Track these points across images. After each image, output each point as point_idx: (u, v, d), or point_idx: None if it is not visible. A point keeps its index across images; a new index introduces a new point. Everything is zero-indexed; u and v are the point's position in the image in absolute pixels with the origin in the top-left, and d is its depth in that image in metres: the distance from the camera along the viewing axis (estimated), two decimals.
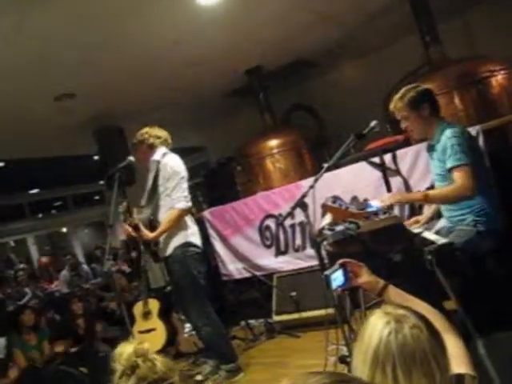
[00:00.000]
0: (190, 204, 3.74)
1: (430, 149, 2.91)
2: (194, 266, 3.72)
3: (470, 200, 2.68)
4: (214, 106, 7.12)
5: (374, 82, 4.03)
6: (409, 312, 1.21)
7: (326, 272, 1.84)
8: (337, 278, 1.83)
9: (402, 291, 1.67)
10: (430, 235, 2.68)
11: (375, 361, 1.14)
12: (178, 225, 3.74)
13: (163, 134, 3.93)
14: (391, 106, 2.88)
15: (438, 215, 3.06)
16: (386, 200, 2.82)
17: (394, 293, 1.68)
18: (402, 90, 2.86)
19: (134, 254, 8.38)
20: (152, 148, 3.87)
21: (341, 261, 1.84)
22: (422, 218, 3.17)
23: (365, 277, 1.78)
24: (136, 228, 3.60)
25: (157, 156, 3.82)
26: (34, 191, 14.45)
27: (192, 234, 3.83)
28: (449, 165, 2.65)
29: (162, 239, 3.84)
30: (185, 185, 3.72)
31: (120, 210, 3.66)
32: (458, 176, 2.61)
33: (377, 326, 1.19)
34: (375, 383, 1.13)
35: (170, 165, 3.72)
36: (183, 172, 3.75)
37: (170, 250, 3.76)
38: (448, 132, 2.69)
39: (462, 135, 2.67)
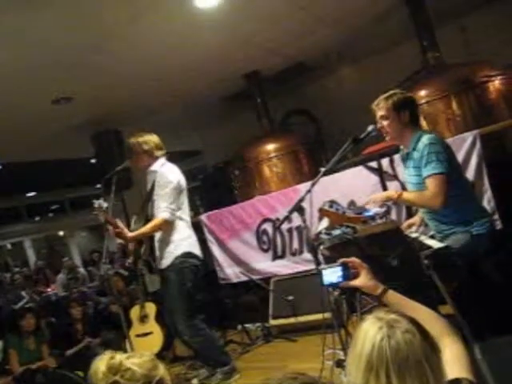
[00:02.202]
0: (173, 217, 3.71)
1: (405, 157, 2.91)
2: (189, 277, 3.71)
3: (443, 210, 2.68)
4: (211, 110, 7.14)
5: (372, 87, 4.02)
6: (401, 316, 1.21)
7: (321, 267, 1.83)
8: (331, 274, 1.82)
9: (402, 296, 1.66)
10: (426, 240, 2.68)
11: (369, 367, 1.14)
12: (178, 235, 3.75)
13: (159, 141, 3.92)
14: (374, 104, 2.88)
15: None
16: (371, 202, 2.83)
17: (394, 297, 1.67)
18: (390, 92, 2.86)
19: (130, 259, 8.37)
20: (152, 157, 3.85)
21: (342, 259, 1.83)
22: (416, 220, 3.17)
23: (362, 279, 1.76)
24: (115, 226, 3.58)
25: (155, 166, 3.84)
26: (32, 194, 14.43)
27: (193, 245, 3.84)
28: (424, 173, 2.66)
29: (159, 250, 3.83)
30: (174, 196, 3.70)
31: (96, 206, 3.60)
32: (431, 185, 2.62)
33: (369, 332, 1.19)
34: None
35: (165, 175, 3.74)
36: (176, 183, 3.73)
37: (169, 261, 3.74)
38: (424, 139, 2.69)
39: (439, 143, 2.67)
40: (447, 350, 1.35)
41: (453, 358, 1.32)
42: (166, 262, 3.76)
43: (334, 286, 1.85)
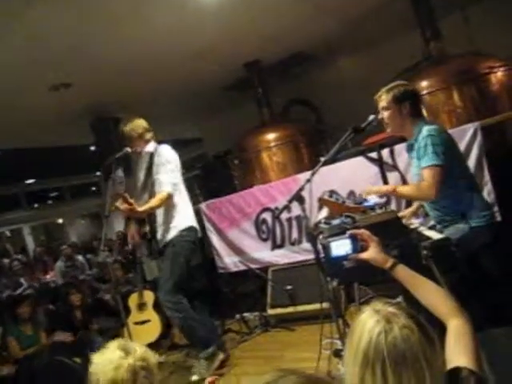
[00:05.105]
0: (175, 192, 3.81)
1: (410, 148, 2.91)
2: (185, 252, 3.80)
3: (444, 201, 2.69)
4: (212, 98, 7.10)
5: (373, 77, 4.02)
6: (399, 310, 1.20)
7: (329, 239, 1.80)
8: (340, 247, 1.78)
9: (412, 271, 1.62)
10: (426, 231, 2.68)
11: (365, 361, 1.14)
12: (181, 209, 3.85)
13: (147, 125, 4.01)
14: (376, 95, 2.88)
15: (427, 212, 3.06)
16: (365, 194, 2.84)
17: (404, 272, 1.63)
18: (392, 84, 2.86)
19: (129, 246, 8.38)
20: (144, 139, 3.95)
21: (352, 231, 1.80)
22: (407, 212, 3.17)
23: (372, 252, 1.73)
24: (127, 201, 3.57)
25: (149, 148, 3.95)
26: (31, 181, 14.40)
27: (194, 220, 3.98)
28: (422, 164, 2.66)
29: (163, 225, 3.88)
30: (174, 173, 3.83)
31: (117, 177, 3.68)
32: (426, 176, 2.62)
33: (366, 325, 1.18)
34: (365, 383, 1.13)
35: (163, 154, 3.85)
36: (175, 161, 3.86)
37: (172, 235, 3.82)
38: (424, 130, 2.68)
39: (438, 135, 2.65)
40: (452, 333, 1.34)
41: (457, 342, 1.30)
42: (169, 235, 3.83)
43: (342, 258, 1.80)
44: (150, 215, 3.96)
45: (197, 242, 3.96)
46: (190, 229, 3.87)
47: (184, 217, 3.87)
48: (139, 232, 4.12)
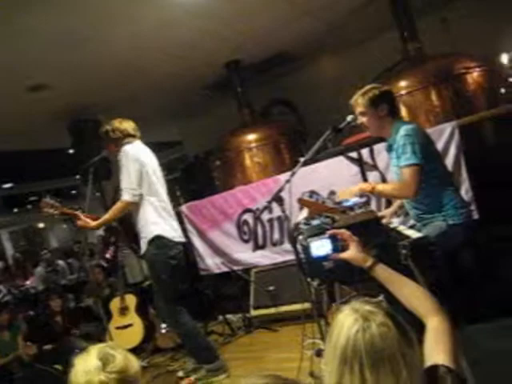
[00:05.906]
0: (135, 198, 3.52)
1: (389, 148, 2.94)
2: (163, 266, 3.57)
3: (422, 199, 2.73)
4: (192, 99, 7.08)
5: (353, 77, 4.06)
6: (377, 308, 1.21)
7: (310, 239, 1.81)
8: (320, 247, 1.79)
9: (392, 270, 1.64)
10: (405, 230, 2.70)
11: (343, 359, 1.14)
12: (146, 219, 3.58)
13: (130, 128, 3.74)
14: (352, 100, 2.89)
15: (407, 212, 3.09)
16: (345, 194, 2.85)
17: (383, 272, 1.65)
18: (366, 87, 2.87)
19: (111, 250, 8.30)
20: (121, 144, 3.68)
21: (332, 231, 1.81)
22: (387, 212, 3.21)
23: (352, 252, 1.74)
24: (76, 216, 3.50)
25: (123, 150, 3.63)
26: (8, 185, 14.17)
27: (165, 229, 3.64)
28: (400, 163, 2.70)
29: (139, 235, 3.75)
30: (136, 175, 3.50)
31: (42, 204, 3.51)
32: (404, 175, 2.66)
33: (345, 324, 1.19)
34: (344, 381, 1.13)
35: (125, 155, 3.56)
36: (136, 161, 3.54)
37: (144, 247, 3.64)
38: (401, 130, 2.71)
39: (415, 134, 2.68)
40: (431, 331, 1.35)
41: (435, 340, 1.32)
42: (142, 247, 3.66)
43: (322, 259, 1.82)
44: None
45: (172, 254, 3.62)
46: (158, 238, 3.56)
47: (150, 225, 3.58)
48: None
